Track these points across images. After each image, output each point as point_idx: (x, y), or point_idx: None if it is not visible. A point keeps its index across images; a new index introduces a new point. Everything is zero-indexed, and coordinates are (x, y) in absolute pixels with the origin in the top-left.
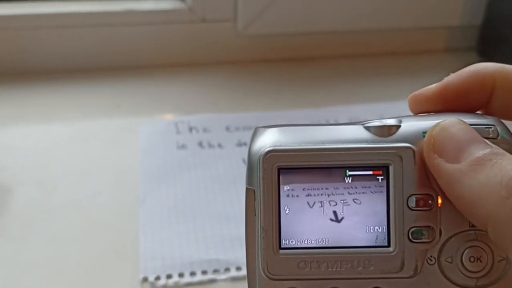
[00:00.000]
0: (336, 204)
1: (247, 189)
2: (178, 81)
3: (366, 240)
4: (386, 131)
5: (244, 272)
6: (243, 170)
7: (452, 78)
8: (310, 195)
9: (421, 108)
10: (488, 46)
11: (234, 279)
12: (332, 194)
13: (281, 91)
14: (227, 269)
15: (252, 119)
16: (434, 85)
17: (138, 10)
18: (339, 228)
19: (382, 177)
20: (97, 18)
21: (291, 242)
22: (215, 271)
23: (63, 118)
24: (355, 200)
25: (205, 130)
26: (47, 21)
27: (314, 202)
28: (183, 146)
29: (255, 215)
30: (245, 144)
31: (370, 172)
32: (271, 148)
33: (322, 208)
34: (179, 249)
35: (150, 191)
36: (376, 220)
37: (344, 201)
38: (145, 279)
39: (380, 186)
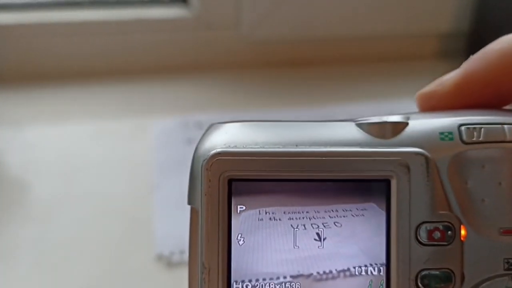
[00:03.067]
0: (312, 232)
1: (191, 208)
2: (185, 84)
3: (356, 286)
4: (388, 130)
5: None
6: None
7: (474, 64)
8: (275, 219)
9: (436, 108)
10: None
11: None
12: (308, 218)
13: (283, 93)
14: None
15: (257, 115)
16: (450, 76)
17: (146, 19)
18: (315, 266)
19: (380, 196)
20: (109, 26)
21: (246, 287)
22: None
23: (78, 117)
24: (339, 228)
25: None
26: (63, 29)
27: (282, 230)
28: (191, 141)
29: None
30: None
31: (363, 189)
32: (219, 150)
33: (293, 238)
34: None
35: (162, 180)
36: (370, 257)
37: (324, 229)
38: (159, 255)
39: (377, 209)
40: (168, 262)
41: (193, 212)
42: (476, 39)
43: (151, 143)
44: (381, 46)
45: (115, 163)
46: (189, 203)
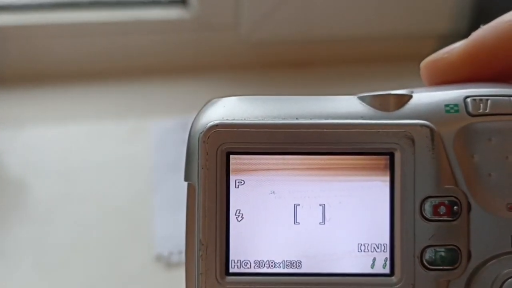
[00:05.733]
0: (314, 209)
1: (188, 185)
2: (185, 85)
3: (358, 265)
4: (391, 103)
5: None
6: None
7: (484, 33)
8: (275, 194)
9: (441, 79)
10: None
11: None
12: (308, 194)
13: (283, 94)
14: None
15: None
16: (458, 45)
17: (145, 20)
18: (318, 245)
19: (384, 170)
20: (108, 27)
21: (244, 265)
22: None
23: (78, 118)
24: (342, 205)
25: None
26: (63, 30)
27: (281, 205)
28: None
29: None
30: None
31: (366, 162)
32: (216, 122)
33: (293, 214)
34: None
35: (162, 181)
36: (373, 234)
37: (326, 205)
38: (159, 255)
39: (380, 183)
40: (167, 263)
41: (190, 189)
42: None
43: (151, 144)
44: (380, 47)
45: (115, 164)
46: (186, 179)
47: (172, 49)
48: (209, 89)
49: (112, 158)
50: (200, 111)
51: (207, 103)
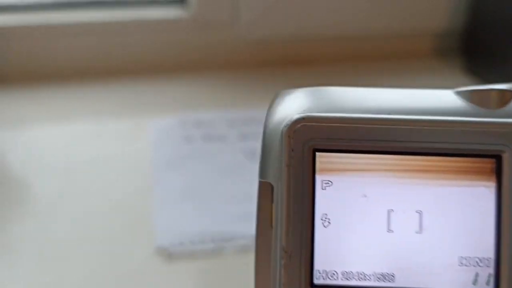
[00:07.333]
0: (410, 216)
1: (260, 183)
2: (183, 83)
3: (458, 281)
4: (493, 99)
5: (250, 242)
6: (242, 160)
7: None
8: (366, 196)
9: None
10: (474, 50)
11: (242, 248)
12: (403, 199)
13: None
14: (233, 239)
15: (253, 114)
16: None
17: (144, 19)
18: (413, 257)
19: (489, 174)
20: (108, 27)
21: (331, 277)
22: (224, 239)
23: (79, 116)
24: (441, 212)
25: (208, 125)
26: (63, 30)
27: (373, 211)
28: (190, 139)
29: (271, 226)
30: (246, 136)
31: (469, 165)
32: (302, 115)
33: (387, 221)
34: (190, 222)
35: (161, 176)
36: (476, 247)
37: (424, 212)
38: (159, 247)
39: (485, 189)
40: (168, 254)
41: (264, 187)
42: (471, 37)
43: (150, 141)
44: (378, 45)
45: (115, 160)
46: (261, 177)
47: (171, 48)
48: (208, 87)
49: (112, 155)
50: (272, 103)
51: (278, 95)
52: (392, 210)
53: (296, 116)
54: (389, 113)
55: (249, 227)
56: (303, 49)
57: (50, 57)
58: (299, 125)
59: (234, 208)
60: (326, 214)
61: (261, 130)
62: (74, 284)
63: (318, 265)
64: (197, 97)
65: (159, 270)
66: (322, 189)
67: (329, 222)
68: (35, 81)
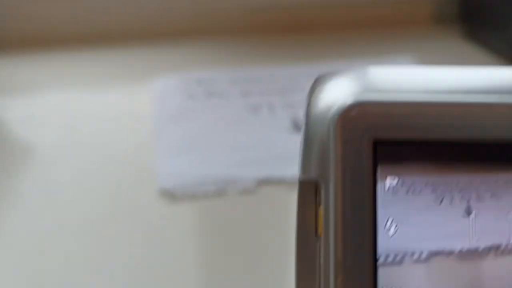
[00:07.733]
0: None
1: (301, 183)
2: (185, 46)
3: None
4: None
5: (250, 185)
6: (244, 114)
7: None
8: (442, 198)
9: None
10: (473, 17)
11: (244, 190)
12: (488, 199)
13: (281, 53)
14: (235, 181)
15: (256, 73)
16: None
17: None
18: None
19: None
20: None
21: None
22: (226, 182)
23: (81, 78)
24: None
25: (210, 83)
26: None
27: (451, 215)
28: (192, 96)
29: (316, 235)
30: (248, 92)
31: None
32: (359, 100)
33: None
34: (193, 166)
35: (165, 129)
36: None
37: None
38: (162, 188)
39: None
40: (171, 195)
41: (305, 188)
42: (470, 4)
43: (153, 99)
44: (377, 12)
45: (119, 117)
46: (302, 176)
47: (171, 15)
48: (209, 49)
49: (116, 112)
50: (314, 88)
51: (318, 79)
52: (472, 213)
53: (350, 100)
54: (464, 93)
55: (251, 171)
56: (303, 15)
57: (49, 22)
58: (354, 112)
59: (236, 155)
60: (392, 219)
61: (264, 88)
62: (79, 226)
63: (382, 280)
64: (199, 59)
65: (162, 211)
66: (386, 189)
67: (395, 229)
68: (34, 46)
